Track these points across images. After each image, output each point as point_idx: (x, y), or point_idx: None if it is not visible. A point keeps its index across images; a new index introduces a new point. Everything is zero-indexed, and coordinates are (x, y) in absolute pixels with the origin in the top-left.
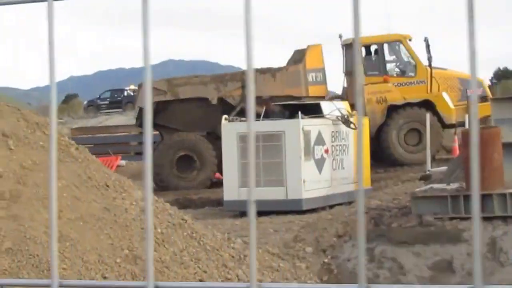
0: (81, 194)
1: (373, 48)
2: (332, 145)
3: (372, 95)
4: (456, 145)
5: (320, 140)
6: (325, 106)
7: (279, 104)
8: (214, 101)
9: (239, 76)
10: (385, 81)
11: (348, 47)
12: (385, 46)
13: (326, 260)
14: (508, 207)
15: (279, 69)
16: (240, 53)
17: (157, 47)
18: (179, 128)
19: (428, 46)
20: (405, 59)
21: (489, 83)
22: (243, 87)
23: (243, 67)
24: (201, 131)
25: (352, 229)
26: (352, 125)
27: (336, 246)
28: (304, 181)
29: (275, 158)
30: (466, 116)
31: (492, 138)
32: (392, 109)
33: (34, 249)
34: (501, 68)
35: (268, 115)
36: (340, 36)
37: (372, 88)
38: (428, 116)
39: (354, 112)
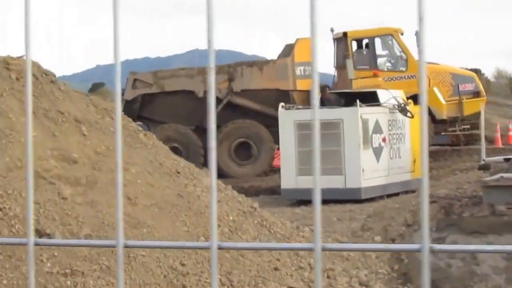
0: (154, 180)
1: (364, 42)
2: (389, 134)
3: (361, 88)
4: (498, 135)
5: (377, 129)
6: (382, 94)
7: (334, 92)
8: (201, 94)
9: (225, 69)
10: (375, 75)
11: (339, 41)
12: (376, 40)
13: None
14: None
15: (267, 62)
16: (262, 42)
17: (185, 36)
18: (165, 121)
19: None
20: (397, 54)
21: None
22: (230, 79)
23: (267, 56)
24: (188, 125)
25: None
26: (408, 114)
27: (405, 236)
28: (363, 170)
29: (333, 146)
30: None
31: None
32: None
33: (112, 235)
34: None
35: (323, 103)
36: (332, 30)
37: (361, 83)
38: (482, 110)
39: (410, 100)
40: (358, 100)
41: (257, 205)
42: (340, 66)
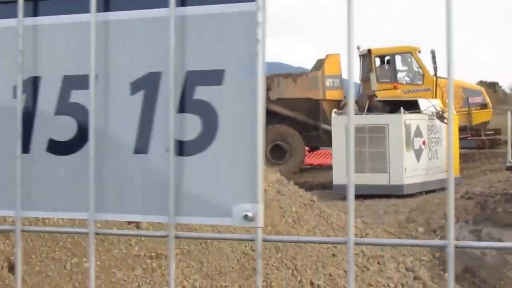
0: None
1: (386, 58)
2: (428, 138)
3: (386, 96)
4: None
5: (418, 133)
6: (422, 102)
7: (381, 100)
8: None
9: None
10: (395, 88)
11: (364, 57)
12: (397, 57)
13: (437, 239)
14: None
15: (300, 74)
16: (309, 55)
17: None
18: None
19: (434, 57)
20: (415, 69)
21: None
22: (268, 89)
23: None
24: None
25: (460, 212)
26: (445, 120)
27: (444, 227)
28: (405, 169)
29: (379, 148)
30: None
31: None
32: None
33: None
34: None
35: (371, 110)
36: (358, 48)
37: (384, 94)
38: (509, 114)
39: (443, 109)
40: (402, 108)
41: (316, 198)
42: (365, 79)
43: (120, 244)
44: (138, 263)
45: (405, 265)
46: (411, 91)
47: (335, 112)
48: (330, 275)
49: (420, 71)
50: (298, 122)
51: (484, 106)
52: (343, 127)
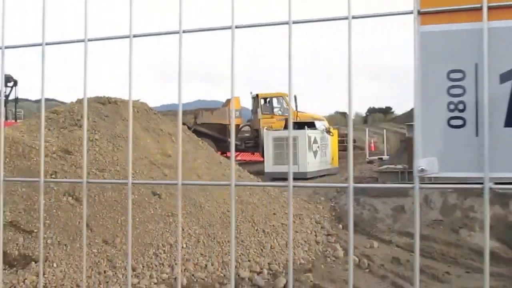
0: (210, 166)
1: (267, 99)
2: (321, 144)
3: (265, 124)
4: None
5: (315, 141)
6: (317, 124)
7: (294, 122)
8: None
9: (193, 112)
10: (272, 118)
11: (254, 98)
12: (274, 99)
13: (332, 205)
14: None
15: (216, 108)
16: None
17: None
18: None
19: (295, 99)
20: (284, 106)
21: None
22: (195, 117)
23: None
24: None
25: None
26: (330, 133)
27: (337, 197)
28: (308, 163)
29: (293, 150)
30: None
31: None
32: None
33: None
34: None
35: (286, 127)
36: (251, 93)
37: (265, 121)
38: (367, 130)
39: (330, 126)
40: (306, 126)
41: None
42: (254, 111)
43: (149, 207)
44: (161, 219)
45: (315, 220)
46: (282, 119)
47: (266, 129)
48: (273, 226)
49: (286, 107)
50: (214, 137)
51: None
52: (271, 137)
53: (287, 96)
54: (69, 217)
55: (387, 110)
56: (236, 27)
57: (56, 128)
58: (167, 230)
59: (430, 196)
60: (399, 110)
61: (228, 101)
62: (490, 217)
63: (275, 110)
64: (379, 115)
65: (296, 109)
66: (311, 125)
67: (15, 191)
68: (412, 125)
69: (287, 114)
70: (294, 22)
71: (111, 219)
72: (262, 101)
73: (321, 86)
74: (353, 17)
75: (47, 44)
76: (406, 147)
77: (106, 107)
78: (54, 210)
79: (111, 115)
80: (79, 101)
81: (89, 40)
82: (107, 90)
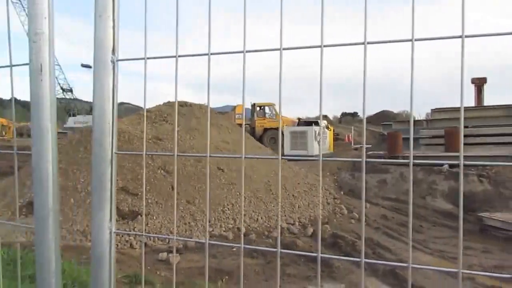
0: (247, 149)
1: (262, 107)
2: (322, 135)
3: (259, 124)
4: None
5: (318, 134)
6: (321, 122)
7: (303, 121)
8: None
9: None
10: (264, 119)
11: (253, 106)
12: (266, 107)
13: (335, 177)
14: None
15: (225, 112)
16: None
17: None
18: None
19: (279, 107)
20: (273, 112)
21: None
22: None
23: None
24: None
25: (340, 168)
26: (328, 128)
27: (342, 168)
28: (314, 148)
29: (304, 140)
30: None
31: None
32: (266, 129)
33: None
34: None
35: (300, 124)
36: (251, 102)
37: (259, 122)
38: (352, 128)
39: (327, 124)
40: (313, 123)
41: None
42: (252, 114)
43: (216, 178)
44: (225, 186)
45: (324, 188)
46: (271, 121)
47: (286, 125)
48: (298, 191)
49: (274, 112)
50: None
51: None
52: (288, 131)
53: (275, 105)
54: (162, 185)
55: (354, 114)
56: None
57: (149, 122)
58: (230, 194)
59: (404, 174)
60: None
61: (235, 107)
62: (447, 188)
63: (267, 115)
64: (349, 118)
65: (280, 114)
66: (316, 123)
67: (123, 166)
68: (386, 124)
69: (274, 118)
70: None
71: (191, 186)
72: (258, 108)
73: (307, 92)
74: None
75: (179, 56)
76: (384, 140)
77: (183, 108)
78: (152, 180)
79: (187, 114)
80: (165, 104)
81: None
82: (182, 96)
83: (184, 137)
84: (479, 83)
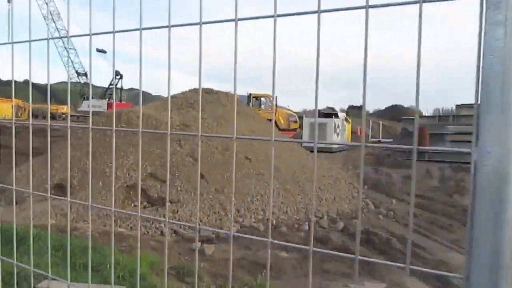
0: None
1: (258, 98)
2: (341, 128)
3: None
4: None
5: (337, 126)
6: (339, 114)
7: (324, 113)
8: None
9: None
10: (259, 110)
11: (248, 96)
12: (262, 98)
13: (358, 171)
14: None
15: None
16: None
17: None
18: None
19: (276, 99)
20: (268, 103)
21: None
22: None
23: None
24: None
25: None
26: (348, 120)
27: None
28: (333, 139)
29: (324, 132)
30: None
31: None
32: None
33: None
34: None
35: (320, 116)
36: (247, 92)
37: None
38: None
39: (347, 116)
40: (333, 116)
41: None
42: (247, 104)
43: (243, 167)
44: (253, 176)
45: (348, 181)
46: (266, 111)
47: (305, 117)
48: (324, 184)
49: (269, 103)
50: None
51: (295, 121)
52: (307, 122)
53: (271, 96)
54: (191, 172)
55: (361, 107)
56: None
57: (175, 108)
58: (258, 184)
59: (430, 170)
60: (368, 107)
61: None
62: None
63: (262, 105)
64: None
65: (276, 106)
66: (336, 115)
67: (152, 152)
68: (407, 119)
69: (269, 109)
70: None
71: (219, 174)
72: (254, 99)
73: (306, 84)
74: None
75: (172, 26)
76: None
77: (210, 96)
78: (180, 166)
79: (214, 101)
80: (191, 90)
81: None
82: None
83: (211, 125)
84: None
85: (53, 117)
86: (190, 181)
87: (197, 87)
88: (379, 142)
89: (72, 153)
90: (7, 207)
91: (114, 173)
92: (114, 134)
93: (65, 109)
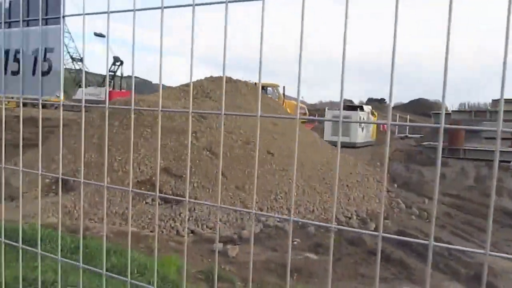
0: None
1: (265, 87)
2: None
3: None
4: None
5: (362, 119)
6: (365, 107)
7: (348, 105)
8: None
9: None
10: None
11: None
12: (268, 88)
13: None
14: None
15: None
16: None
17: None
18: None
19: (284, 89)
20: (275, 93)
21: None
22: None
23: None
24: None
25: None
26: (374, 115)
27: (389, 162)
28: (357, 136)
29: (348, 126)
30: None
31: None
32: None
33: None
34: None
35: (345, 109)
36: (253, 82)
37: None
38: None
39: (373, 111)
40: (358, 108)
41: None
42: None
43: (266, 163)
44: (276, 172)
45: (376, 179)
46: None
47: (328, 109)
48: (351, 182)
49: (276, 94)
50: None
51: (305, 113)
52: (329, 115)
53: (278, 86)
54: (208, 167)
55: (381, 100)
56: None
57: (189, 98)
58: (282, 181)
59: (466, 169)
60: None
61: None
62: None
63: (268, 95)
64: (376, 104)
65: (284, 97)
66: (361, 108)
67: (165, 145)
68: (436, 113)
69: (276, 99)
70: None
71: (240, 170)
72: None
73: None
74: None
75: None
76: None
77: (228, 85)
78: (197, 161)
79: (233, 90)
80: (207, 79)
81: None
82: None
83: (230, 116)
84: None
85: (44, 106)
86: (207, 177)
87: (212, 75)
88: (406, 137)
89: (75, 145)
90: (4, 203)
91: (123, 167)
92: (132, 114)
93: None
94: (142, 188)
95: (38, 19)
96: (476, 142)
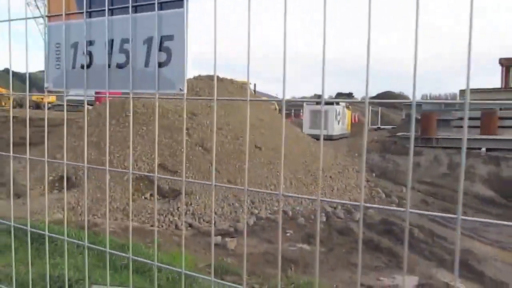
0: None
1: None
2: (342, 114)
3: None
4: None
5: (338, 113)
6: (341, 103)
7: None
8: None
9: None
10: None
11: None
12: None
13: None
14: None
15: None
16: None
17: None
18: None
19: (255, 87)
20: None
21: None
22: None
23: None
24: None
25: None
26: (349, 108)
27: (367, 153)
28: (334, 128)
29: (326, 119)
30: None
31: None
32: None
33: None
34: None
35: (319, 104)
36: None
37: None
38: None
39: (348, 105)
40: (334, 103)
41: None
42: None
43: (254, 157)
44: (264, 166)
45: (355, 169)
46: None
47: (307, 104)
48: (333, 173)
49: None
50: None
51: (275, 109)
52: (307, 109)
53: (250, 84)
54: (202, 162)
55: (349, 94)
56: None
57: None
58: (270, 174)
59: (439, 157)
60: (357, 95)
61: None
62: (486, 173)
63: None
64: (345, 98)
65: (255, 93)
66: (337, 103)
67: (160, 142)
68: (407, 105)
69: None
70: None
71: (231, 165)
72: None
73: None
74: None
75: None
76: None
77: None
78: (190, 157)
79: (220, 88)
80: (196, 78)
81: None
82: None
83: (219, 112)
84: (507, 64)
85: (37, 106)
86: (201, 172)
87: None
88: (379, 129)
89: (75, 144)
90: (7, 200)
91: (122, 164)
92: (157, 100)
93: (51, 98)
94: (141, 184)
95: (154, 3)
96: (447, 131)
